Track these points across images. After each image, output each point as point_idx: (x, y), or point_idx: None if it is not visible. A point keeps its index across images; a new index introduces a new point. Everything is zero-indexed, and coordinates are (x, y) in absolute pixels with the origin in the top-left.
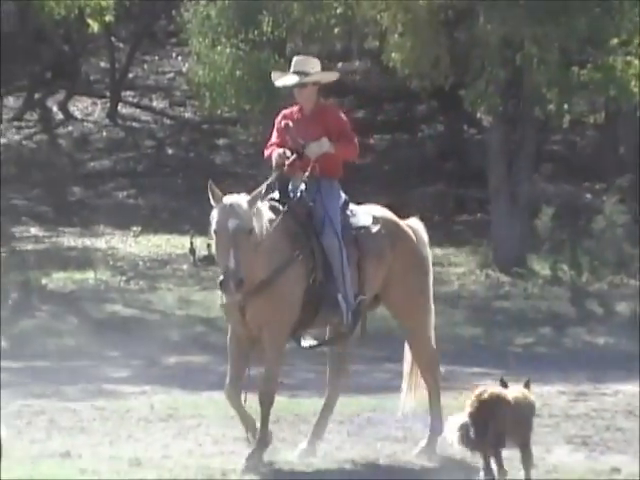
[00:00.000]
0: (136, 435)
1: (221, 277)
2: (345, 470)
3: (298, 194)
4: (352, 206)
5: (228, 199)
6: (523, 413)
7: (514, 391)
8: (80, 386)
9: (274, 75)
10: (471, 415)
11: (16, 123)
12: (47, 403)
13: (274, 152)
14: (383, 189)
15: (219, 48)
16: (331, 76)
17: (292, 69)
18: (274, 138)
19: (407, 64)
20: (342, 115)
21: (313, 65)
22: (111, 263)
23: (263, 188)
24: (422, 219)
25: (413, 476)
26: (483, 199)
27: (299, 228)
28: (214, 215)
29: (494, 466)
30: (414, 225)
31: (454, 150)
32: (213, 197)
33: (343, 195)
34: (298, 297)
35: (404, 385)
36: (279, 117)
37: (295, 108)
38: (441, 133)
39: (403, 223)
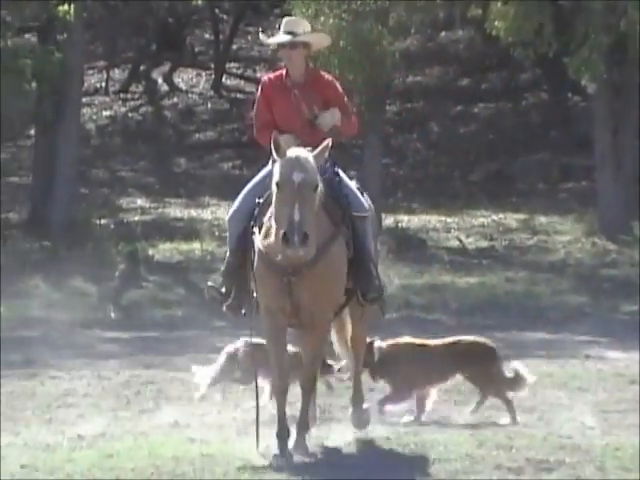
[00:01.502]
0: (243, 405)
1: (283, 230)
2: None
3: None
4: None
5: (293, 152)
6: None
7: None
8: (188, 356)
9: (262, 36)
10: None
11: (122, 95)
12: (156, 373)
13: (278, 137)
14: (488, 158)
15: (322, 18)
16: (324, 39)
17: (282, 29)
18: (263, 111)
19: (510, 32)
20: (338, 85)
21: (304, 27)
22: (217, 234)
23: (329, 143)
24: (527, 188)
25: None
26: (588, 167)
27: (333, 202)
28: (277, 168)
29: None
30: None
31: (559, 118)
32: (277, 150)
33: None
34: (344, 273)
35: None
36: (263, 85)
37: (279, 73)
38: (545, 101)
39: None
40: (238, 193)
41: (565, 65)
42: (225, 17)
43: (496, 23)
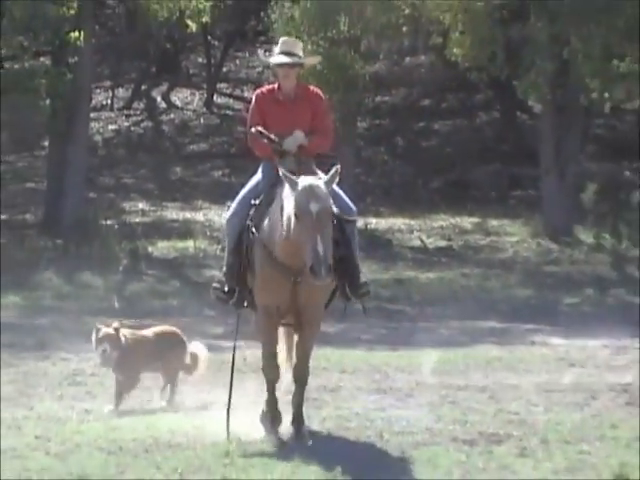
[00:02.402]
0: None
1: (310, 263)
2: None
3: None
4: None
5: (306, 181)
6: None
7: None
8: None
9: (262, 56)
10: None
11: (125, 111)
12: None
13: (269, 148)
14: (447, 168)
15: (301, 44)
16: (315, 59)
17: (280, 49)
18: (257, 121)
19: (467, 58)
20: (323, 101)
21: (299, 48)
22: (208, 233)
23: (338, 169)
24: (481, 195)
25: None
26: (534, 177)
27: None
28: (293, 198)
29: None
30: None
31: (508, 134)
32: (290, 184)
33: None
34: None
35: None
36: (257, 98)
37: (270, 88)
38: (497, 119)
39: None
40: (227, 198)
41: (514, 87)
42: (216, 43)
43: (454, 50)
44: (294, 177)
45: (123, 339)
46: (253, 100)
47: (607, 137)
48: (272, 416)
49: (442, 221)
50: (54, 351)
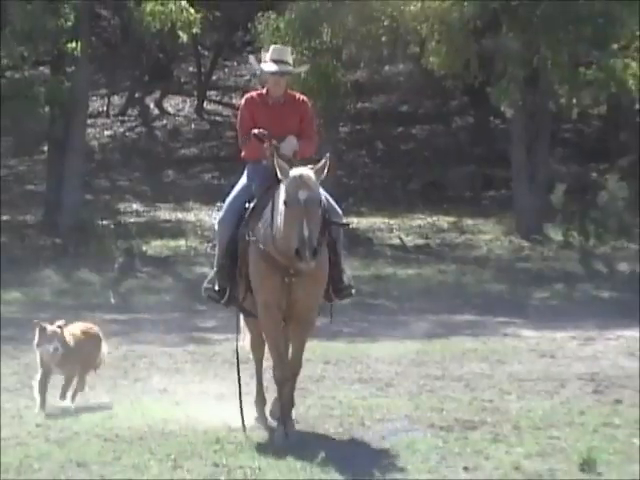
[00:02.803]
0: (221, 375)
1: (296, 246)
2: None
3: None
4: None
5: (297, 171)
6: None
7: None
8: (174, 334)
9: (255, 64)
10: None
11: (120, 118)
12: (148, 348)
13: (263, 150)
14: (424, 170)
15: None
16: (303, 67)
17: (271, 57)
18: (247, 124)
19: (443, 66)
20: (310, 107)
21: (289, 55)
22: (199, 233)
23: (327, 160)
24: (456, 195)
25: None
26: (507, 178)
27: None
28: (284, 187)
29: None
30: None
31: (482, 137)
32: (281, 172)
33: None
34: (327, 272)
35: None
36: (247, 101)
37: (259, 92)
38: (471, 123)
39: None
40: (217, 199)
41: (488, 94)
42: (206, 53)
43: (431, 59)
44: (286, 166)
45: (69, 337)
46: (242, 104)
47: (575, 141)
48: (286, 412)
49: (420, 220)
50: None
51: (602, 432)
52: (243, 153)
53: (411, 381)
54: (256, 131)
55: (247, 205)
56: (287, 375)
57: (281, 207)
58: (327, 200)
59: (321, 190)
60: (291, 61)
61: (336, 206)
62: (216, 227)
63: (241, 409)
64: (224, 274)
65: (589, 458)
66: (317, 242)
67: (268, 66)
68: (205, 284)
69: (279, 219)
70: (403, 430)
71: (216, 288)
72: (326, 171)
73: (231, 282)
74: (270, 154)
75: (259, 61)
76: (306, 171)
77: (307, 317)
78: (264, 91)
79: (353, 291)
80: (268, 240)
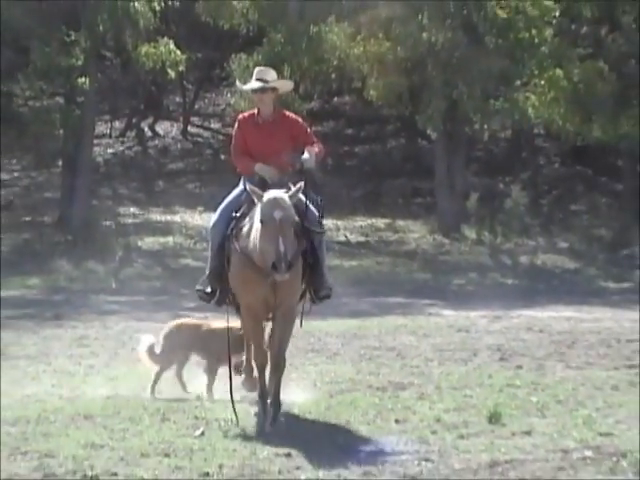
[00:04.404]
0: None
1: (272, 260)
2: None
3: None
4: None
5: (272, 193)
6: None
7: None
8: (163, 312)
9: (239, 84)
10: (164, 336)
11: (120, 139)
12: (141, 324)
13: (258, 167)
14: (364, 182)
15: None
16: (288, 84)
17: (255, 77)
18: (240, 143)
19: (380, 98)
20: (301, 121)
21: (272, 75)
22: (184, 231)
23: (302, 185)
24: (390, 202)
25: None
26: (431, 188)
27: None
28: (260, 208)
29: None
30: None
31: (412, 155)
32: (255, 196)
33: None
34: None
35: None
36: (239, 122)
37: (251, 113)
38: (403, 144)
39: None
40: (198, 204)
41: (416, 120)
42: (190, 86)
43: (371, 92)
44: (260, 192)
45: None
46: (236, 125)
47: (485, 158)
48: (262, 399)
49: (361, 222)
50: (66, 321)
51: (506, 391)
52: (238, 168)
53: (353, 351)
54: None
55: (235, 214)
56: (265, 362)
57: (258, 224)
58: (310, 210)
59: (309, 202)
60: (273, 79)
61: (318, 214)
62: (209, 231)
63: (232, 400)
64: (215, 276)
65: (495, 412)
66: (292, 256)
67: (250, 84)
68: (197, 286)
69: (256, 235)
70: (347, 390)
71: (207, 290)
72: (297, 195)
73: (221, 284)
74: (279, 171)
75: (244, 83)
76: (280, 194)
77: (286, 314)
78: (255, 111)
79: (331, 293)
80: (251, 249)
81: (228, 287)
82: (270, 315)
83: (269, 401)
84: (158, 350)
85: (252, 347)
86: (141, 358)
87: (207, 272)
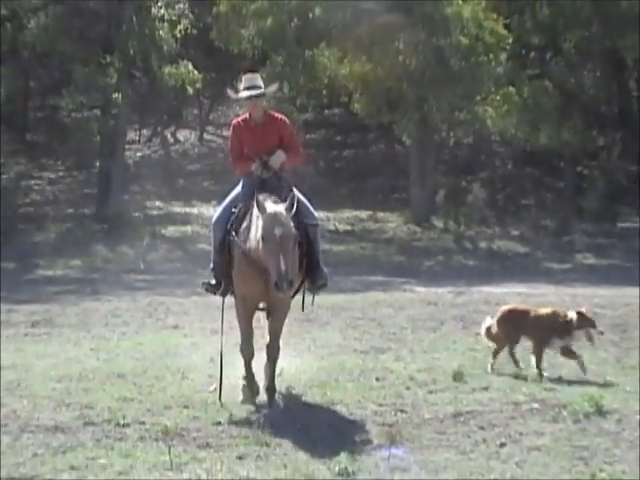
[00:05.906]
0: (216, 317)
1: (275, 280)
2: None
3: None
4: None
5: (271, 208)
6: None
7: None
8: (184, 289)
9: (231, 93)
10: (497, 320)
11: (147, 144)
12: (165, 298)
13: (251, 166)
14: (350, 182)
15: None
16: (273, 86)
17: (245, 85)
18: (236, 145)
19: (364, 110)
20: (290, 125)
21: (260, 80)
22: (200, 222)
23: (296, 196)
24: (372, 197)
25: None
26: (406, 186)
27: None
28: (261, 223)
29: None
30: None
31: (390, 159)
32: (259, 208)
33: None
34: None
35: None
36: (234, 127)
37: (243, 117)
38: (383, 149)
39: None
40: (213, 199)
41: (394, 129)
42: (205, 101)
43: (356, 105)
44: (264, 203)
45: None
46: (231, 130)
47: (451, 161)
48: (250, 387)
49: (348, 214)
50: (102, 295)
51: (468, 355)
52: (236, 169)
53: (341, 321)
54: (252, 162)
55: (234, 210)
56: (252, 355)
57: (260, 241)
58: (304, 204)
59: (301, 196)
60: (262, 84)
61: (312, 209)
62: (212, 227)
63: (220, 392)
64: (218, 269)
65: (459, 372)
66: (293, 273)
67: (243, 93)
68: (203, 280)
69: (257, 246)
70: (336, 354)
71: (212, 282)
72: (295, 206)
73: (224, 276)
74: (257, 169)
75: (235, 91)
76: (280, 208)
77: (280, 308)
78: (247, 115)
79: (327, 282)
80: (249, 245)
81: (231, 279)
82: (261, 305)
83: (263, 386)
84: (494, 331)
85: (242, 337)
86: (482, 336)
87: (211, 265)
